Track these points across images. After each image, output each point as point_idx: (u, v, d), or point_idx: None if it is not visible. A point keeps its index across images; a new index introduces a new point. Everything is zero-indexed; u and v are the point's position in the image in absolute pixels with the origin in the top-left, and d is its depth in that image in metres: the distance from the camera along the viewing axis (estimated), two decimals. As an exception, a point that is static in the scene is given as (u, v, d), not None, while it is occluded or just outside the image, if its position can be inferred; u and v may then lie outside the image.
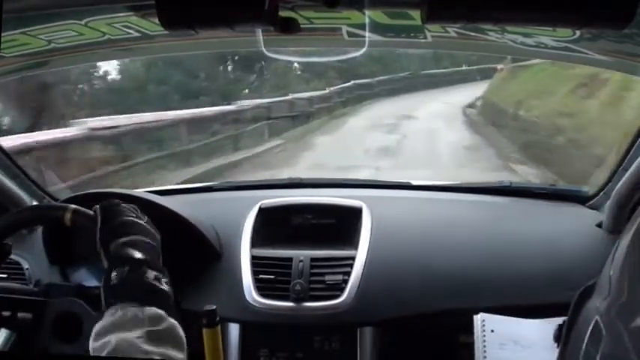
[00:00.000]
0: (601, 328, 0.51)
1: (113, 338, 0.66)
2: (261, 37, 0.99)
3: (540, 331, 1.07)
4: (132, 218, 0.82)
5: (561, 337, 0.64)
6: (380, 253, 1.28)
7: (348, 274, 1.24)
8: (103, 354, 0.65)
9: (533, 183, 2.87)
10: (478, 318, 1.14)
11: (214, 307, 1.05)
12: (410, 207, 1.49)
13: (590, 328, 0.53)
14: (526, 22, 0.78)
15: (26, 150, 3.54)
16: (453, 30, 1.21)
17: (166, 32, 0.88)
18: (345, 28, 1.21)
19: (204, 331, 1.05)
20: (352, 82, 10.22)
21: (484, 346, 1.10)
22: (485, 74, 11.09)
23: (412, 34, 1.28)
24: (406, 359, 1.29)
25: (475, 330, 1.12)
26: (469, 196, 1.57)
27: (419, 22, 0.95)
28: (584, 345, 0.54)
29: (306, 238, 1.36)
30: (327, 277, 1.24)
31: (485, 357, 1.08)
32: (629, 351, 0.45)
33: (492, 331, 1.11)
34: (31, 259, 1.34)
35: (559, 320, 0.77)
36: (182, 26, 0.70)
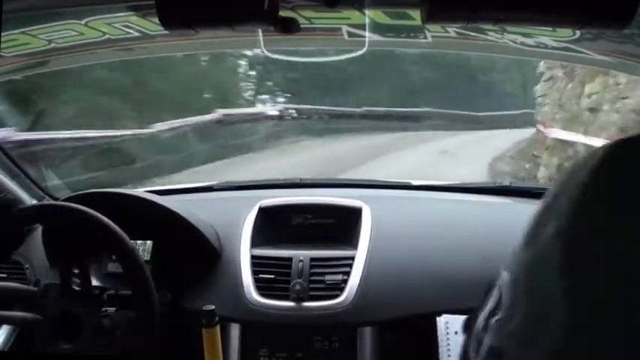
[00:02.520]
0: (482, 339, 0.47)
1: None
2: (261, 37, 0.99)
3: None
4: None
5: (469, 328, 0.61)
6: (380, 253, 1.27)
7: (348, 274, 1.24)
8: None
9: (533, 183, 2.87)
10: (441, 320, 1.13)
11: (213, 307, 1.05)
12: (410, 207, 1.49)
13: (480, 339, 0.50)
14: (526, 22, 0.78)
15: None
16: (453, 30, 1.21)
17: (166, 32, 0.88)
18: (345, 28, 1.21)
19: (204, 331, 1.05)
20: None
21: (448, 350, 1.09)
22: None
23: (412, 34, 1.28)
24: (406, 359, 1.29)
25: (439, 333, 1.12)
26: (469, 196, 1.57)
27: (419, 22, 0.95)
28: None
29: (306, 238, 1.36)
30: (326, 277, 1.24)
31: None
32: None
33: (456, 333, 1.10)
34: (31, 259, 1.34)
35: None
36: (182, 26, 0.70)
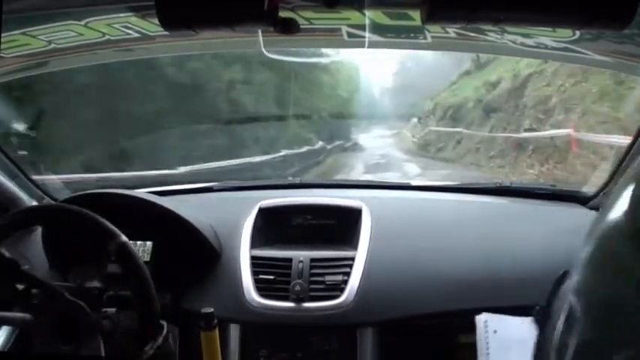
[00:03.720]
0: (576, 310, 0.45)
1: None
2: (261, 38, 0.99)
3: None
4: None
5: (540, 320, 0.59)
6: (380, 254, 1.27)
7: (348, 274, 1.24)
8: None
9: (534, 183, 2.87)
10: (480, 319, 1.13)
11: (212, 309, 1.04)
12: (409, 207, 1.49)
13: (565, 313, 0.47)
14: (526, 22, 0.78)
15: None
16: (452, 30, 1.21)
17: (166, 32, 0.89)
18: (345, 29, 1.22)
19: (202, 334, 1.05)
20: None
21: (487, 349, 1.09)
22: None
23: (412, 35, 1.28)
24: (405, 359, 1.29)
25: (478, 331, 1.11)
26: (469, 196, 1.57)
27: (419, 22, 0.95)
28: (560, 333, 0.48)
29: (306, 239, 1.36)
30: (326, 278, 1.24)
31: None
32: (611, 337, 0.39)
33: (495, 332, 1.10)
34: (31, 259, 1.34)
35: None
36: (182, 27, 0.70)
